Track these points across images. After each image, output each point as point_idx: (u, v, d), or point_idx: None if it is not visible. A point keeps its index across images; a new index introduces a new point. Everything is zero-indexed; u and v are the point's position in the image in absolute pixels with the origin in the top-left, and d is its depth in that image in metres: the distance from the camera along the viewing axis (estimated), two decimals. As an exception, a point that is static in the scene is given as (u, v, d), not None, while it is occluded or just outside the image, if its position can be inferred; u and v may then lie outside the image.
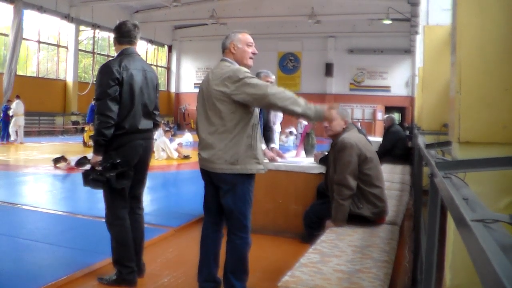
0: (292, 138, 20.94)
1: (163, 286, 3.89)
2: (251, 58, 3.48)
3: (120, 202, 3.88)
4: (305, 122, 19.39)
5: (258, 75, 5.05)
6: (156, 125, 4.09)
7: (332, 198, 4.14)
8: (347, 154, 3.98)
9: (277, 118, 17.02)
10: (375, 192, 4.05)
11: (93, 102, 21.79)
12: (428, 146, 3.33)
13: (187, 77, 35.79)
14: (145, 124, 3.89)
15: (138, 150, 3.88)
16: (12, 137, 18.48)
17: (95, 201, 7.40)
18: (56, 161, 10.88)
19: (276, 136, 17.06)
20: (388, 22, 24.63)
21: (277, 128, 17.07)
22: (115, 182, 3.69)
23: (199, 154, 3.46)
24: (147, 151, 4.01)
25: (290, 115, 3.27)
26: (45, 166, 11.39)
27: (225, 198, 3.38)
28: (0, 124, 18.89)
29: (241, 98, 3.23)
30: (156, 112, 4.05)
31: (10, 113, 18.40)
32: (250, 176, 3.40)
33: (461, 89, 2.37)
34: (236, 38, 3.48)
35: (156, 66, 34.04)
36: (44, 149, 16.38)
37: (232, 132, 3.28)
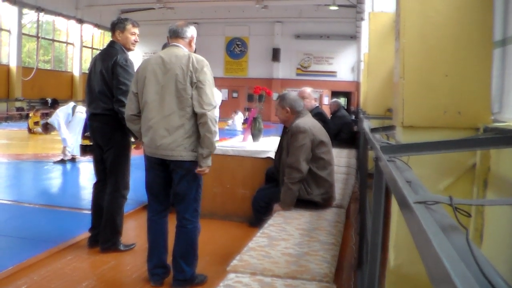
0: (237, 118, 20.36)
1: (110, 273, 3.83)
2: None
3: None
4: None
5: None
6: (111, 109, 4.13)
7: (282, 181, 4.18)
8: (301, 138, 4.02)
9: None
10: (326, 176, 4.11)
11: None
12: (373, 130, 3.40)
13: (133, 61, 35.03)
14: (91, 108, 4.28)
15: (91, 130, 4.39)
16: None
17: (41, 189, 7.22)
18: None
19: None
20: (334, 8, 24.81)
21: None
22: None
23: (148, 141, 3.40)
24: (97, 132, 4.27)
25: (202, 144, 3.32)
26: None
27: (180, 183, 3.39)
28: None
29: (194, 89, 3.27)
30: (103, 97, 4.16)
31: None
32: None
33: (405, 74, 2.44)
34: (195, 34, 3.59)
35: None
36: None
37: (191, 119, 3.30)
